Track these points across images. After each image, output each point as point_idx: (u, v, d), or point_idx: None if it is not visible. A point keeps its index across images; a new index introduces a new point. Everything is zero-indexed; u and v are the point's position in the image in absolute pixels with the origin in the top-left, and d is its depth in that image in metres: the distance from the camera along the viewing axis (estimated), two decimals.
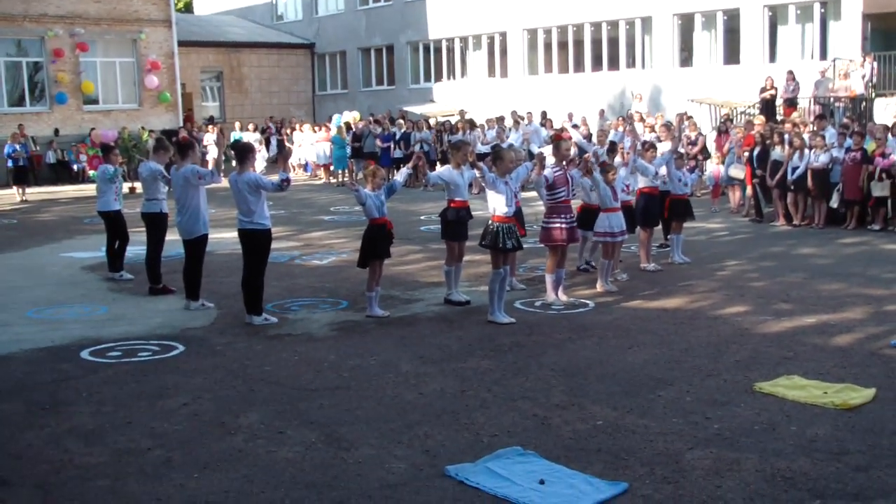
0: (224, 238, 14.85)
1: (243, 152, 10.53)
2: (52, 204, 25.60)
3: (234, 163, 11.22)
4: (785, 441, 6.50)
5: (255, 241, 10.29)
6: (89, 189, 27.61)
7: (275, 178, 10.34)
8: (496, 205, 10.33)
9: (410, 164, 11.74)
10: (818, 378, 7.95)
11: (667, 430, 6.76)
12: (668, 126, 20.91)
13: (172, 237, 12.24)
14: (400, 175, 11.33)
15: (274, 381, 8.17)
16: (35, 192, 27.87)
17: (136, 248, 13.60)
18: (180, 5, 53.93)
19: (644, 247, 13.42)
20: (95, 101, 33.61)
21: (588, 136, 21.18)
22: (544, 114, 28.17)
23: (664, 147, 16.88)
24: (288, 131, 33.90)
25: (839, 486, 5.70)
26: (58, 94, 32.31)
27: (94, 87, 33.14)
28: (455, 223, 11.33)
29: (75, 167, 31.54)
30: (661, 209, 13.75)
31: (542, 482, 5.77)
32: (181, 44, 36.07)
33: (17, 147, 27.33)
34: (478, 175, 10.67)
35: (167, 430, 6.96)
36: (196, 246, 11.24)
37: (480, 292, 11.43)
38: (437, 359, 8.83)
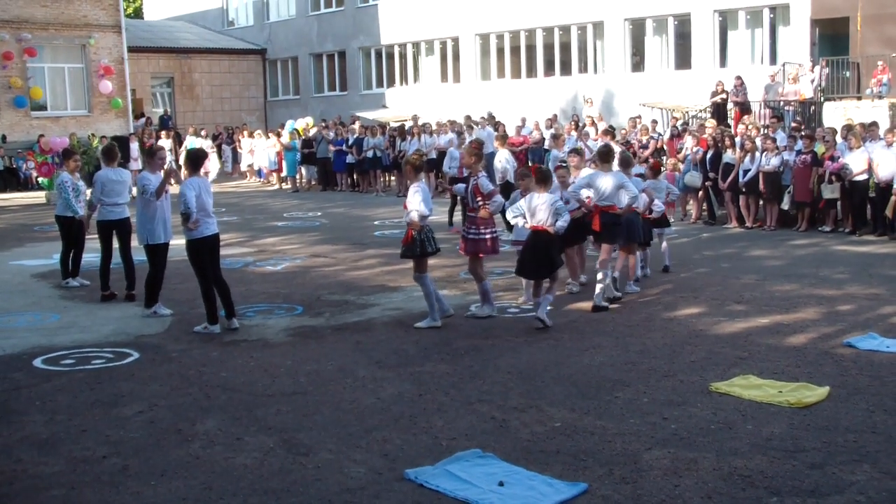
0: (177, 245, 14.66)
1: (199, 160, 10.48)
2: (0, 212, 25.17)
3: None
4: (741, 440, 6.56)
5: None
6: (38, 196, 27.31)
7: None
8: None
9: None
10: (773, 377, 8.03)
11: (624, 431, 6.79)
12: (610, 132, 20.88)
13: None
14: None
15: (230, 388, 8.10)
16: None
17: (90, 256, 13.39)
18: (130, 11, 53.42)
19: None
20: (44, 108, 33.09)
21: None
22: (492, 116, 28.17)
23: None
24: (239, 138, 33.67)
25: (795, 484, 5.75)
26: (17, 97, 31.77)
27: (43, 93, 32.66)
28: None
29: (23, 175, 31.06)
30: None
31: (501, 484, 5.77)
32: (131, 49, 35.64)
33: None
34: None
35: (123, 437, 6.88)
36: (156, 253, 11.13)
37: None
38: (394, 363, 8.80)
